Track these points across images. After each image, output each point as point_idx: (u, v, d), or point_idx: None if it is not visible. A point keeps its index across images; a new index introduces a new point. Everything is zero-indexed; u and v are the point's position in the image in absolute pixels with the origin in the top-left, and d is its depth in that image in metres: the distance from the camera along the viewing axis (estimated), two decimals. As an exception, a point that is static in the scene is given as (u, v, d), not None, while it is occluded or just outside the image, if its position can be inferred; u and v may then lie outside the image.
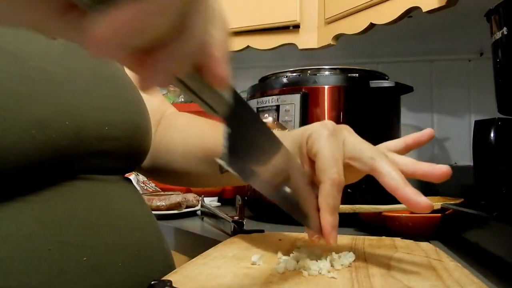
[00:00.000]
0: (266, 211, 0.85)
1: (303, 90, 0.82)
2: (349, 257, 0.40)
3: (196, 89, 0.26)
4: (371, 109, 0.83)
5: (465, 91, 1.26)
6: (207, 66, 0.25)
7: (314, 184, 0.44)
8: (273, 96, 0.86)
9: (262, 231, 0.58)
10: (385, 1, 0.87)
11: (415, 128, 1.30)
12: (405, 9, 0.83)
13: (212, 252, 0.44)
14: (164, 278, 0.33)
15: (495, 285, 0.41)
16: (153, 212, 0.55)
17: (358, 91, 0.83)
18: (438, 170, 0.43)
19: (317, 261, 0.38)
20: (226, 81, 0.25)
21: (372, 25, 0.91)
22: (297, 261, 0.38)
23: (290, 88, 0.85)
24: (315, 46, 1.08)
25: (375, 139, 0.84)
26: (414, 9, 0.82)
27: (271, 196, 0.34)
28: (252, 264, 0.39)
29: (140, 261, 0.44)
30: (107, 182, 0.45)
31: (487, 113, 0.77)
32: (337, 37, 1.03)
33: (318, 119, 0.80)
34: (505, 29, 0.60)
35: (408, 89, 0.86)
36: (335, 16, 1.00)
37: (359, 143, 0.45)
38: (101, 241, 0.40)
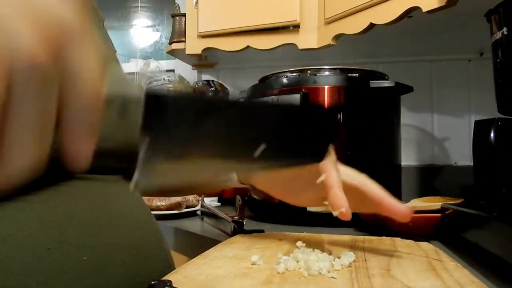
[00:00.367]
0: (266, 211, 0.85)
1: (303, 90, 0.82)
2: (349, 257, 0.40)
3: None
4: (371, 109, 0.83)
5: (465, 91, 1.26)
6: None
7: None
8: (273, 96, 0.86)
9: (262, 231, 0.58)
10: (385, 1, 0.87)
11: (415, 128, 1.30)
12: (405, 9, 0.83)
13: (212, 252, 0.44)
14: (164, 278, 0.33)
15: (495, 285, 0.41)
16: (153, 212, 0.56)
17: (358, 91, 0.83)
18: (398, 210, 0.45)
19: (317, 261, 0.38)
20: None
21: (372, 25, 0.91)
22: (297, 261, 0.38)
23: (290, 88, 0.85)
24: (315, 46, 1.08)
25: (375, 139, 0.85)
26: (414, 9, 0.82)
27: None
28: (252, 264, 0.39)
29: (140, 261, 0.44)
30: (107, 182, 0.45)
31: (487, 113, 0.77)
32: (337, 37, 1.03)
33: (318, 119, 0.80)
34: (505, 29, 0.60)
35: (408, 89, 0.86)
36: (335, 16, 1.00)
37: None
38: (101, 241, 0.40)
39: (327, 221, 0.48)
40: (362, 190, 0.47)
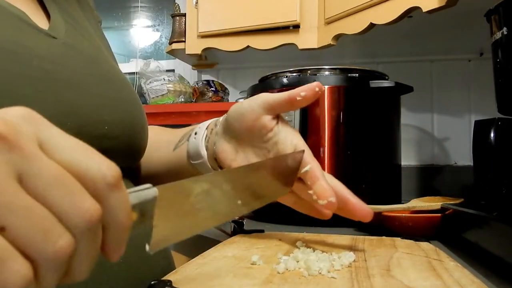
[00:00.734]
0: (266, 211, 0.84)
1: (303, 90, 0.82)
2: (349, 257, 0.40)
3: None
4: (371, 109, 0.83)
5: (465, 91, 1.26)
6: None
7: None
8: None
9: (262, 231, 0.58)
10: (385, 1, 0.87)
11: (415, 128, 1.30)
12: (405, 9, 0.83)
13: (212, 252, 0.44)
14: (164, 278, 0.33)
15: (495, 285, 0.41)
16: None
17: (358, 91, 0.83)
18: (363, 209, 0.45)
19: (317, 261, 0.38)
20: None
21: (372, 25, 0.91)
22: (297, 261, 0.38)
23: (290, 88, 0.84)
24: (315, 46, 1.08)
25: (375, 139, 0.85)
26: (414, 9, 0.82)
27: None
28: (252, 264, 0.39)
29: (140, 259, 0.44)
30: None
31: (487, 113, 0.77)
32: (337, 37, 1.03)
33: (318, 119, 0.81)
34: (505, 29, 0.60)
35: (408, 89, 0.86)
36: (335, 16, 1.00)
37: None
38: None
39: (327, 221, 0.48)
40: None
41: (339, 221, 0.49)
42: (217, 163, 0.52)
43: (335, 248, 0.46)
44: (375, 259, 0.41)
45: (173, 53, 1.39)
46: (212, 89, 1.39)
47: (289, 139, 0.47)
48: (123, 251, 0.25)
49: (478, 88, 1.24)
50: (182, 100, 1.40)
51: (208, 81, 1.41)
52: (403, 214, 0.65)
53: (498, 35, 0.62)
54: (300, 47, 1.10)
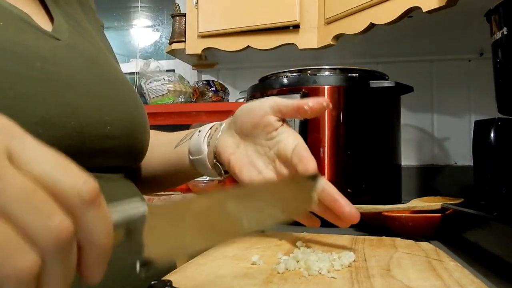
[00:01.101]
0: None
1: (303, 90, 0.82)
2: (349, 257, 0.40)
3: None
4: (371, 109, 0.83)
5: (465, 91, 1.26)
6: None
7: None
8: (273, 96, 0.86)
9: (262, 231, 0.58)
10: (385, 1, 0.87)
11: (415, 128, 1.30)
12: (405, 9, 0.83)
13: (212, 252, 0.44)
14: (164, 278, 0.33)
15: (495, 285, 0.41)
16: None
17: (358, 91, 0.83)
18: (350, 210, 0.45)
19: (317, 261, 0.38)
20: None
21: (372, 25, 0.91)
22: (297, 261, 0.38)
23: (290, 88, 0.85)
24: (315, 46, 1.08)
25: (375, 139, 0.85)
26: (414, 9, 0.82)
27: None
28: (252, 264, 0.39)
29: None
30: (109, 181, 0.45)
31: (487, 113, 0.77)
32: (337, 37, 1.03)
33: (318, 119, 0.81)
34: (505, 29, 0.60)
35: (408, 89, 0.86)
36: (335, 16, 1.00)
37: None
38: None
39: (327, 221, 0.48)
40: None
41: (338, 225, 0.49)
42: (215, 159, 0.53)
43: (335, 248, 0.46)
44: (375, 259, 0.41)
45: (173, 53, 1.39)
46: (212, 89, 1.39)
47: (291, 139, 0.49)
48: (103, 273, 0.23)
49: (478, 88, 1.24)
50: (182, 100, 1.40)
51: (208, 81, 1.41)
52: (403, 214, 0.65)
53: (498, 35, 0.62)
54: (300, 47, 1.10)
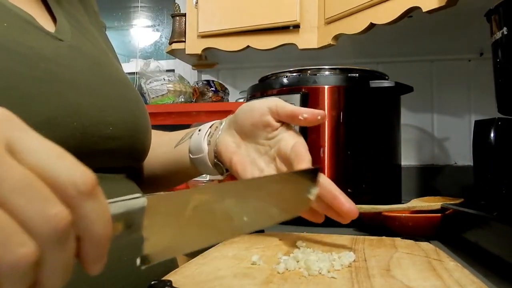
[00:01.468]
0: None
1: (303, 90, 0.82)
2: (349, 257, 0.40)
3: None
4: (371, 109, 0.83)
5: (465, 91, 1.26)
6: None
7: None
8: (273, 96, 0.86)
9: (262, 231, 0.58)
10: (385, 1, 0.87)
11: (415, 128, 1.30)
12: (405, 9, 0.83)
13: (212, 252, 0.44)
14: (164, 278, 0.33)
15: (495, 285, 0.41)
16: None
17: (358, 91, 0.83)
18: (350, 206, 0.46)
19: (317, 261, 0.38)
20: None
21: (372, 25, 0.91)
22: (297, 261, 0.38)
23: (290, 88, 0.85)
24: (315, 46, 1.08)
25: (375, 139, 0.85)
26: (414, 9, 0.82)
27: None
28: (252, 264, 0.39)
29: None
30: (111, 181, 0.45)
31: (487, 113, 0.77)
32: (337, 37, 1.03)
33: (318, 119, 0.81)
34: (505, 29, 0.60)
35: (408, 89, 0.86)
36: (335, 16, 1.00)
37: None
38: None
39: (327, 221, 0.48)
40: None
41: (339, 221, 0.49)
42: (216, 158, 0.53)
43: (335, 248, 0.46)
44: (375, 259, 0.41)
45: (173, 53, 1.39)
46: (212, 89, 1.39)
47: (291, 138, 0.49)
48: (103, 264, 0.24)
49: (478, 88, 1.24)
50: (182, 100, 1.40)
51: (208, 81, 1.41)
52: (403, 214, 0.65)
53: (498, 35, 0.62)
54: (300, 47, 1.10)
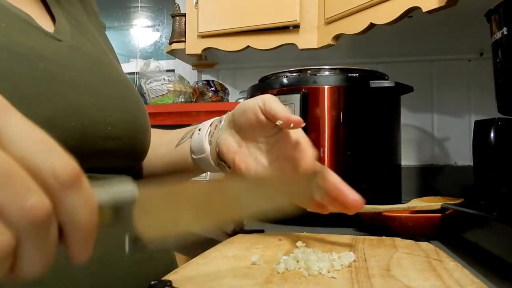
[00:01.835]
0: (266, 211, 0.84)
1: (303, 90, 0.82)
2: (349, 257, 0.40)
3: None
4: (371, 109, 0.83)
5: (465, 91, 1.26)
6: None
7: None
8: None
9: (262, 231, 0.58)
10: (385, 1, 0.87)
11: (415, 128, 1.30)
12: (405, 9, 0.83)
13: (212, 252, 0.44)
14: (164, 278, 0.33)
15: (495, 285, 0.41)
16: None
17: (358, 91, 0.83)
18: (355, 197, 0.47)
19: (317, 261, 0.38)
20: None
21: (372, 25, 0.91)
22: (297, 261, 0.38)
23: (290, 88, 0.85)
24: (315, 46, 1.08)
25: (375, 139, 0.85)
26: (414, 9, 0.82)
27: None
28: (252, 264, 0.39)
29: (143, 257, 0.44)
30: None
31: (487, 113, 0.77)
32: (337, 37, 1.03)
33: (318, 119, 0.81)
34: (505, 29, 0.60)
35: (408, 89, 0.86)
36: (335, 16, 1.00)
37: None
38: (105, 237, 0.41)
39: (327, 221, 0.48)
40: (321, 172, 0.48)
41: (339, 221, 0.50)
42: (219, 157, 0.53)
43: (335, 248, 0.46)
44: (375, 259, 0.41)
45: (173, 53, 1.39)
46: (212, 89, 1.39)
47: (293, 135, 0.49)
48: (89, 253, 0.24)
49: (478, 88, 1.24)
50: (182, 100, 1.40)
51: (208, 81, 1.41)
52: (403, 214, 0.65)
53: (498, 35, 0.62)
54: (300, 47, 1.10)
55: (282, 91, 0.85)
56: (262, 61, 1.38)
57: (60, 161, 0.21)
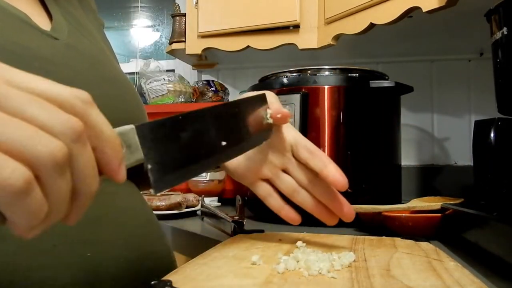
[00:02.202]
0: (266, 211, 0.84)
1: (303, 90, 0.82)
2: (349, 257, 0.40)
3: None
4: (371, 109, 0.83)
5: (465, 91, 1.26)
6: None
7: None
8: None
9: (262, 231, 0.58)
10: (385, 1, 0.87)
11: (415, 128, 1.30)
12: (405, 9, 0.83)
13: (212, 252, 0.44)
14: (164, 278, 0.33)
15: (495, 285, 0.41)
16: (153, 212, 0.56)
17: (358, 91, 0.83)
18: (348, 208, 0.48)
19: (317, 261, 0.38)
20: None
21: (372, 25, 0.91)
22: (297, 261, 0.38)
23: (290, 88, 0.85)
24: (315, 46, 1.08)
25: (375, 139, 0.85)
26: (414, 9, 0.82)
27: None
28: (252, 264, 0.39)
29: (143, 257, 0.44)
30: (109, 181, 0.45)
31: (487, 113, 0.77)
32: (337, 37, 1.03)
33: (318, 119, 0.81)
34: (505, 29, 0.60)
35: (408, 89, 0.86)
36: (335, 16, 1.00)
37: None
38: (105, 237, 0.41)
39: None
40: (310, 150, 0.49)
41: (339, 221, 0.50)
42: None
43: (335, 248, 0.46)
44: (375, 259, 0.41)
45: (173, 53, 1.39)
46: (212, 89, 1.39)
47: (290, 132, 0.49)
48: (124, 173, 0.27)
49: (478, 88, 1.24)
50: (182, 100, 1.40)
51: (208, 81, 1.41)
52: (403, 214, 0.65)
53: (498, 35, 0.62)
54: (300, 47, 1.10)
55: (282, 91, 0.85)
56: (262, 61, 1.38)
57: (74, 89, 0.25)
